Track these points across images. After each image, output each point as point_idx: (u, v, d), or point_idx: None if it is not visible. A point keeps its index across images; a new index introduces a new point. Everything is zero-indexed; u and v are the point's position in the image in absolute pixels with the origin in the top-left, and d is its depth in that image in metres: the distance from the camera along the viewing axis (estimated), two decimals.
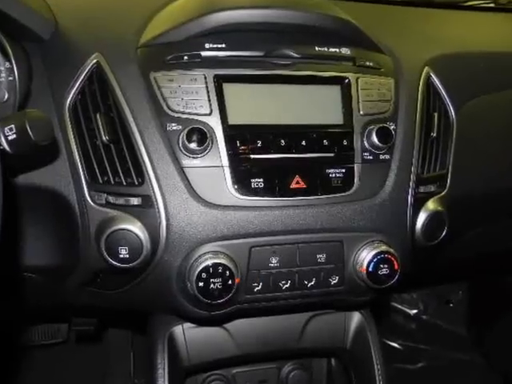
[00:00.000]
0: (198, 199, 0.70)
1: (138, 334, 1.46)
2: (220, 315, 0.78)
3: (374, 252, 0.75)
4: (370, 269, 0.75)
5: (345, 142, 0.76)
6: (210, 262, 0.69)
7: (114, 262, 0.69)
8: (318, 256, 0.75)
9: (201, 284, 0.69)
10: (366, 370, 0.94)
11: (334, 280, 0.77)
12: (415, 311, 1.77)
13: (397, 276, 0.76)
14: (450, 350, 1.67)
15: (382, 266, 0.75)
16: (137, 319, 1.08)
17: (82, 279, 0.77)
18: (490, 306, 1.70)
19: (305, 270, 0.75)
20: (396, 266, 0.76)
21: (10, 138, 0.53)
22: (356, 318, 0.96)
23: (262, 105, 0.76)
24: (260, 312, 0.85)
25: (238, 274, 0.71)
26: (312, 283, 0.76)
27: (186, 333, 0.89)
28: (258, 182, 0.72)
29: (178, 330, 0.89)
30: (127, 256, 0.68)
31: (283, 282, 0.75)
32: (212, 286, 0.69)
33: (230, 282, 0.70)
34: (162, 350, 0.87)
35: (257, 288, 0.75)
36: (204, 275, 0.69)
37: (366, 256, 0.75)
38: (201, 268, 0.69)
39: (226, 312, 0.77)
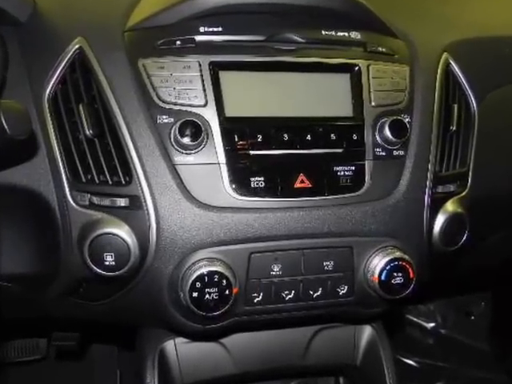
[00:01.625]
0: (191, 200, 0.70)
1: (125, 350, 1.46)
2: (216, 329, 0.78)
3: (386, 259, 0.75)
4: (383, 277, 0.75)
5: (354, 137, 0.76)
6: (204, 270, 0.69)
7: (98, 270, 0.69)
8: (324, 263, 0.75)
9: (195, 294, 0.69)
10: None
11: (343, 290, 0.77)
12: (432, 324, 1.77)
13: (412, 285, 0.76)
14: (472, 368, 1.67)
15: (395, 274, 0.75)
16: (124, 333, 1.09)
17: (64, 289, 0.77)
18: None
19: (310, 278, 0.76)
20: (411, 275, 0.76)
21: None
22: (367, 332, 0.96)
23: (262, 95, 0.76)
24: (260, 325, 0.85)
25: (236, 284, 0.71)
26: (318, 293, 0.76)
27: (178, 348, 0.89)
28: (258, 181, 0.72)
29: (169, 345, 0.89)
30: (113, 263, 0.69)
31: (286, 292, 0.75)
32: (207, 296, 0.69)
33: (227, 292, 0.70)
34: (151, 367, 0.87)
35: (257, 299, 0.75)
36: (198, 284, 0.69)
37: (378, 263, 0.75)
38: (195, 276, 0.69)
39: (223, 325, 0.77)
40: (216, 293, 0.69)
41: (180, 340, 0.89)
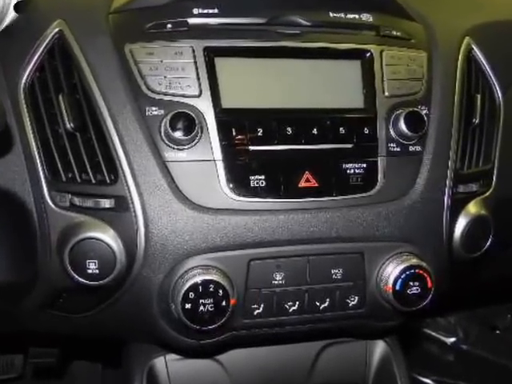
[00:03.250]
0: (184, 201, 0.71)
1: (110, 367, 1.47)
2: (211, 345, 0.79)
3: (402, 266, 0.75)
4: (398, 287, 0.75)
5: (366, 131, 0.77)
6: (199, 279, 0.70)
7: (80, 279, 0.69)
8: (332, 271, 0.76)
9: (188, 306, 0.70)
10: None
11: (353, 301, 0.78)
12: (453, 339, 1.78)
13: (430, 296, 0.77)
14: None
15: (411, 283, 0.76)
16: (108, 349, 1.09)
17: (42, 300, 0.77)
18: None
19: (316, 288, 0.77)
20: (429, 284, 0.76)
21: None
22: (380, 348, 0.97)
23: (263, 84, 0.76)
24: (261, 341, 0.86)
25: (234, 294, 0.72)
26: (325, 305, 0.77)
27: (169, 366, 0.91)
28: (258, 180, 0.73)
29: (159, 362, 0.91)
30: (97, 271, 0.69)
31: (290, 304, 0.76)
32: (201, 308, 0.70)
33: (223, 303, 0.70)
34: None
35: (257, 311, 0.76)
36: (192, 295, 0.69)
37: (392, 271, 0.76)
38: (188, 286, 0.69)
39: (219, 340, 0.78)
40: (211, 304, 0.70)
41: (171, 357, 0.90)
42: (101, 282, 0.70)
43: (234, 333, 0.78)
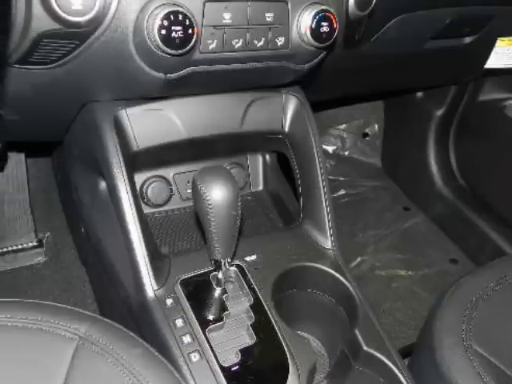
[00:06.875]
0: None
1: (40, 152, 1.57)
2: (174, 80, 0.98)
3: (316, 10, 1.00)
4: (313, 26, 1.00)
5: None
6: (170, 9, 0.86)
7: (64, 15, 0.79)
8: (266, 14, 0.98)
9: (163, 32, 0.86)
10: (306, 151, 1.24)
11: (281, 41, 1.02)
12: (333, 147, 2.17)
13: (335, 35, 1.03)
14: (367, 179, 2.13)
15: (323, 23, 1.01)
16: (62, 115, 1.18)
17: (21, 52, 0.85)
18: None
19: (255, 28, 0.98)
20: (334, 25, 1.02)
21: None
22: (294, 102, 1.24)
23: None
24: (212, 80, 1.06)
25: (197, 25, 0.90)
26: (261, 43, 1.00)
27: (130, 118, 1.07)
28: None
29: (121, 114, 1.06)
30: (80, 7, 0.80)
31: (236, 41, 0.97)
32: (173, 34, 0.87)
33: (189, 30, 0.88)
34: (109, 129, 1.03)
35: (211, 46, 0.95)
36: (166, 23, 0.86)
37: (309, 14, 1.00)
38: (162, 15, 0.85)
39: (180, 76, 0.97)
40: (181, 31, 0.87)
41: (131, 110, 1.07)
42: (83, 17, 0.81)
43: (193, 68, 0.97)
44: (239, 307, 1.02)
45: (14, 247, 1.65)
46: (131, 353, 0.81)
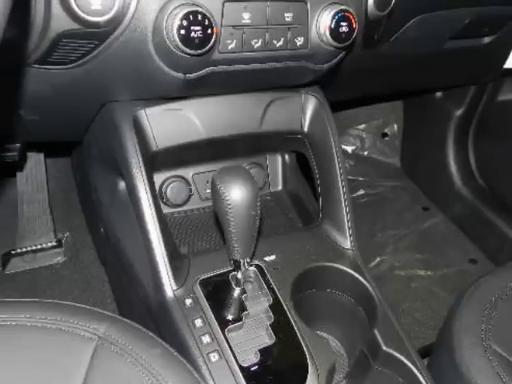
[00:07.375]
0: None
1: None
2: (194, 81, 0.98)
3: (335, 10, 0.99)
4: (333, 26, 1.00)
5: None
6: (189, 9, 0.86)
7: (83, 15, 0.79)
8: (285, 14, 0.98)
9: (182, 32, 0.86)
10: (325, 151, 1.23)
11: (300, 41, 1.01)
12: (353, 147, 2.16)
13: (354, 35, 1.02)
14: (386, 179, 2.11)
15: (342, 23, 1.00)
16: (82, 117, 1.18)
17: (39, 52, 0.86)
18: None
19: (274, 28, 0.98)
20: (354, 25, 1.01)
21: None
22: (313, 102, 1.23)
23: None
24: (231, 80, 1.06)
25: (216, 25, 0.90)
26: (281, 43, 1.00)
27: (149, 118, 1.08)
28: None
29: (140, 114, 1.07)
30: (99, 7, 0.80)
31: (255, 41, 0.97)
32: (193, 34, 0.87)
33: (209, 31, 0.88)
34: (128, 129, 1.04)
35: (231, 46, 0.95)
36: (185, 23, 0.86)
37: (328, 15, 1.00)
38: (181, 15, 0.86)
39: (200, 76, 0.98)
40: (200, 31, 0.87)
41: (150, 110, 1.07)
42: (103, 17, 0.81)
43: (212, 68, 0.97)
44: (258, 307, 1.01)
45: (34, 247, 1.67)
46: (150, 353, 0.81)
